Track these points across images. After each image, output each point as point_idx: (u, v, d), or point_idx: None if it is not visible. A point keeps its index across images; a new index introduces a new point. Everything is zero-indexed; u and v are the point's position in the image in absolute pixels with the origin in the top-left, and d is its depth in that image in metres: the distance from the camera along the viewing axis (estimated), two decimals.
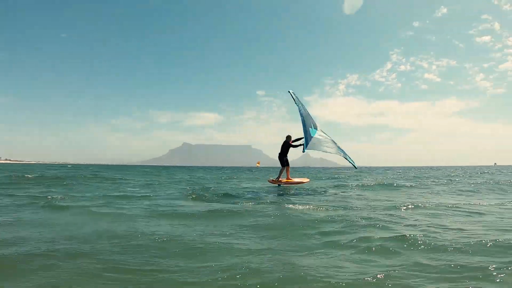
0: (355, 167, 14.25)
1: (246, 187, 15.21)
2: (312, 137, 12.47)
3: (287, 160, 13.56)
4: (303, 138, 12.34)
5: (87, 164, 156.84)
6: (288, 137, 13.53)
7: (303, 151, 12.11)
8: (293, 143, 13.45)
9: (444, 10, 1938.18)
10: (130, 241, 4.49)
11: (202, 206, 8.10)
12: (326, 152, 12.80)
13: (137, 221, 6.01)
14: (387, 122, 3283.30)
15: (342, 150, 13.69)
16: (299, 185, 14.58)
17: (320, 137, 13.13)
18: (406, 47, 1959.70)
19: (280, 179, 14.05)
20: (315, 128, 13.41)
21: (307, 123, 12.65)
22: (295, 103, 12.94)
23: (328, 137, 13.75)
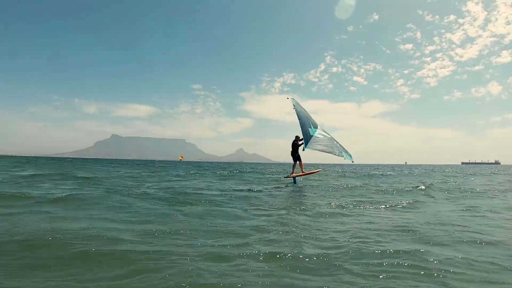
0: (352, 161, 15.09)
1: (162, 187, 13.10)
2: (312, 136, 14.08)
3: (298, 155, 15.31)
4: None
5: None
6: (296, 137, 15.28)
7: (303, 149, 13.89)
8: (299, 142, 15.07)
9: (376, 17, 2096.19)
10: None
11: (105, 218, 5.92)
12: (321, 151, 14.11)
13: None
14: (318, 120, 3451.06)
15: (340, 147, 14.90)
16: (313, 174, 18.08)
17: (320, 136, 14.48)
18: (340, 49, 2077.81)
19: (294, 173, 15.67)
20: (315, 127, 14.77)
21: (306, 124, 14.19)
22: (294, 108, 14.33)
23: (327, 135, 14.98)
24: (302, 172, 15.83)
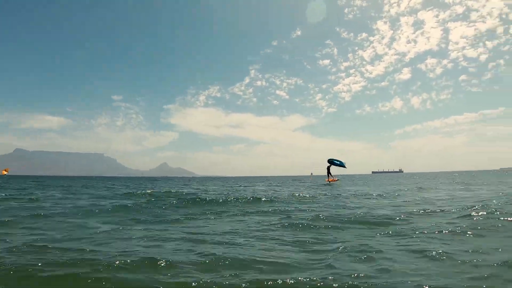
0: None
1: None
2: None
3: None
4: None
5: None
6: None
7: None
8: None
9: (299, 32, 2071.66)
10: None
11: None
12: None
13: None
14: (242, 134, 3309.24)
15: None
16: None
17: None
18: (264, 64, 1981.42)
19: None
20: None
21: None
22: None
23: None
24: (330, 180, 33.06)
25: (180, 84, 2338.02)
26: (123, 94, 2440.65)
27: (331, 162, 32.17)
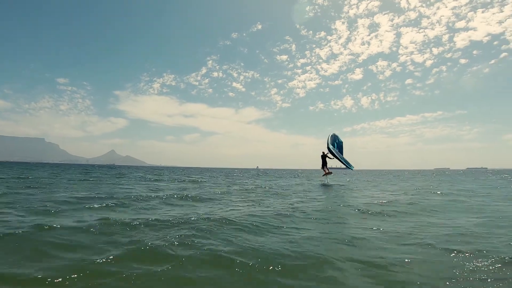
0: (351, 168, 23.20)
1: None
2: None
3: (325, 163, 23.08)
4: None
5: None
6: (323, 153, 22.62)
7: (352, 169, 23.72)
8: (328, 156, 22.38)
9: (259, 26, 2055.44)
10: None
11: None
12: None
13: None
14: (196, 124, 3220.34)
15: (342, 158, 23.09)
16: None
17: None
18: (222, 55, 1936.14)
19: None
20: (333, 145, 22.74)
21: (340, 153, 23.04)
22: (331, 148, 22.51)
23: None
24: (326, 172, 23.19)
25: (132, 70, 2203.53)
26: (69, 77, 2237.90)
27: (324, 157, 23.19)
